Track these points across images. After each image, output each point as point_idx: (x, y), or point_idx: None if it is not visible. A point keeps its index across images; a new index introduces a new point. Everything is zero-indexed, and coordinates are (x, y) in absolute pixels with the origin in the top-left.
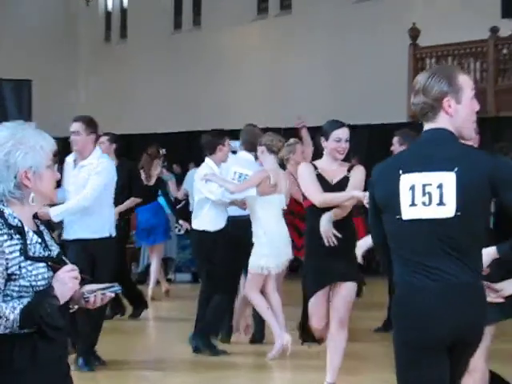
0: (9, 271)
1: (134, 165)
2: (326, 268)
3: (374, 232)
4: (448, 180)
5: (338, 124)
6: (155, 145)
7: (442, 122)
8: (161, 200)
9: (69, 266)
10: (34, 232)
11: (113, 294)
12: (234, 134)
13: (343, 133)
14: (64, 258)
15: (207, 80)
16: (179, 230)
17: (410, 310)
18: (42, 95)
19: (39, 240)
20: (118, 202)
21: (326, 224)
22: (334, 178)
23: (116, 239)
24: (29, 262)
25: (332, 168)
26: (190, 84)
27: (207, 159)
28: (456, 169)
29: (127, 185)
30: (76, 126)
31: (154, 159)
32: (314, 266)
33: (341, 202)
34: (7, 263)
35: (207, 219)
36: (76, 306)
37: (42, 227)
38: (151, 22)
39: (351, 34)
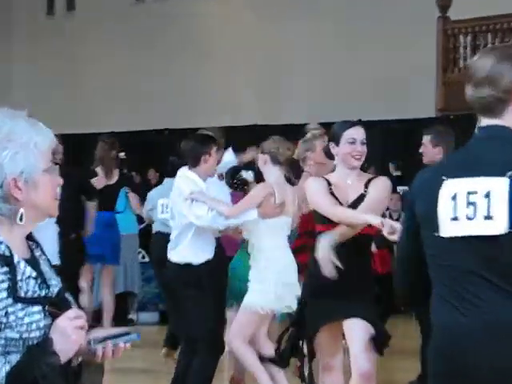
0: None
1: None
2: (327, 305)
3: (403, 245)
4: (498, 187)
5: (349, 123)
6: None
7: (508, 118)
8: (119, 205)
9: (73, 312)
10: (27, 261)
11: (128, 345)
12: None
13: (357, 132)
14: (68, 296)
15: (176, 63)
16: (143, 257)
17: (450, 366)
18: None
19: (33, 273)
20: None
21: (324, 247)
22: (348, 197)
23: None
24: (19, 306)
25: (347, 183)
26: (153, 69)
27: (189, 172)
28: (510, 173)
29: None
30: None
31: (112, 149)
32: (312, 303)
33: (351, 224)
34: None
35: (190, 250)
36: (80, 359)
37: (37, 252)
38: None
39: (365, 7)
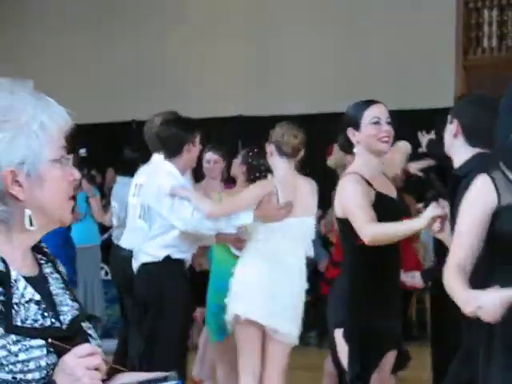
0: None
1: None
2: (385, 329)
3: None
4: None
5: (368, 102)
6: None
7: None
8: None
9: (85, 348)
10: (29, 280)
11: None
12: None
13: (380, 111)
14: (88, 328)
15: (151, 42)
16: (106, 274)
17: None
18: None
19: (36, 296)
20: None
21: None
22: (392, 192)
23: None
24: (13, 338)
25: (381, 177)
26: (122, 50)
27: (167, 164)
28: None
29: None
30: None
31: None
32: (368, 328)
33: (400, 238)
34: None
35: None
36: None
37: (47, 269)
38: None
39: None
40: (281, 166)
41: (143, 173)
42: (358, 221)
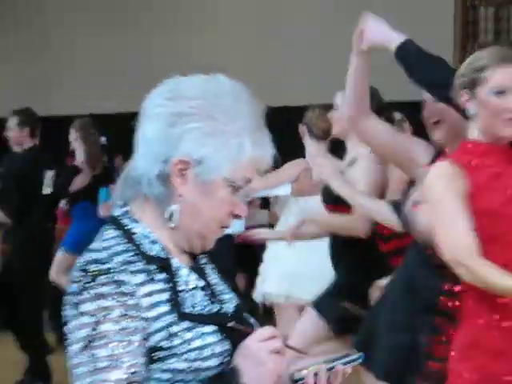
0: (150, 342)
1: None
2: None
3: None
4: None
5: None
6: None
7: None
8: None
9: (266, 331)
10: (192, 268)
11: (349, 368)
12: None
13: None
14: (248, 317)
15: (163, 35)
16: None
17: None
18: None
19: (200, 283)
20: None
21: None
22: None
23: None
24: (185, 325)
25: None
26: (138, 43)
27: None
28: None
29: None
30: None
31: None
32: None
33: None
34: (147, 327)
35: None
36: None
37: (202, 260)
38: None
39: None
40: (312, 147)
41: None
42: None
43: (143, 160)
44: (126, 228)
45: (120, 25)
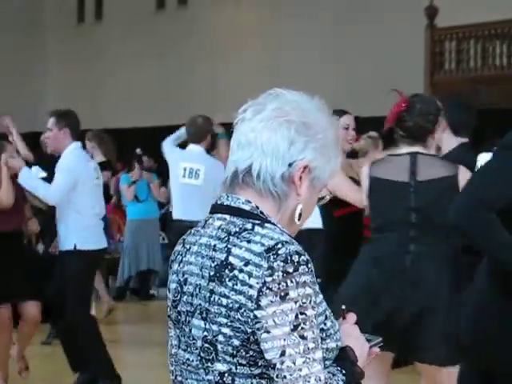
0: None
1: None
2: None
3: None
4: None
5: (342, 111)
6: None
7: None
8: (142, 194)
9: (353, 315)
10: None
11: (377, 350)
12: (224, 128)
13: (349, 119)
14: None
15: (194, 66)
16: (163, 239)
17: None
18: (7, 87)
19: None
20: None
21: None
22: None
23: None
24: (329, 312)
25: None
26: (173, 71)
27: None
28: None
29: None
30: (49, 122)
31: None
32: None
33: None
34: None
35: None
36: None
37: None
38: (130, 0)
39: (358, 14)
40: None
41: (188, 159)
42: None
43: (267, 160)
44: (272, 222)
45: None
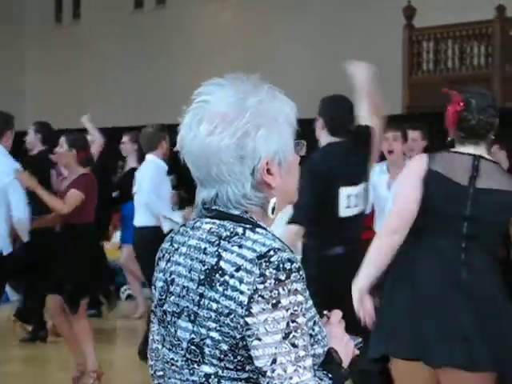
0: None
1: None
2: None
3: None
4: None
5: None
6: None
7: None
8: None
9: (337, 313)
10: None
11: (356, 351)
12: None
13: None
14: None
15: (173, 66)
16: None
17: None
18: None
19: None
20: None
21: None
22: None
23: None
24: (317, 317)
25: None
26: (152, 71)
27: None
28: None
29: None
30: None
31: None
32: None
33: None
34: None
35: None
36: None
37: None
38: (108, 0)
39: (338, 15)
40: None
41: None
42: None
43: (229, 188)
44: (262, 226)
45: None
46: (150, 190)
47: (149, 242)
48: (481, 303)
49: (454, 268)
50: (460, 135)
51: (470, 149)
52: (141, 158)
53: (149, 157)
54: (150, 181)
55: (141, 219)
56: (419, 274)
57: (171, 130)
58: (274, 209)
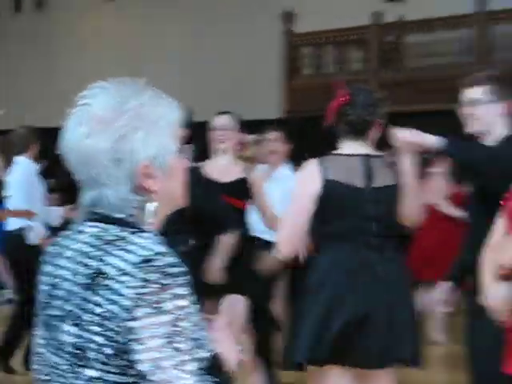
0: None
1: None
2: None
3: None
4: None
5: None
6: None
7: None
8: None
9: (224, 318)
10: None
11: (241, 356)
12: None
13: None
14: None
15: (52, 71)
16: None
17: None
18: None
19: None
20: None
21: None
22: None
23: None
24: (203, 322)
25: None
26: (29, 74)
27: None
28: None
29: None
30: None
31: None
32: None
33: None
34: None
35: None
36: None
37: None
38: None
39: (219, 19)
40: None
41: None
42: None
43: (109, 191)
44: (147, 231)
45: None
46: (22, 193)
47: (21, 245)
48: (391, 296)
49: (367, 267)
50: (341, 130)
51: (349, 145)
52: (8, 162)
53: (20, 159)
54: (20, 184)
55: (14, 222)
56: (328, 277)
57: (51, 133)
58: (154, 212)
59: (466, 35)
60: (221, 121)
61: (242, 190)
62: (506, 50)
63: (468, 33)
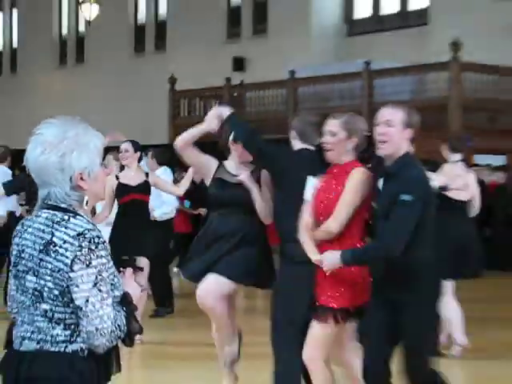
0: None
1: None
2: None
3: None
4: None
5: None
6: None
7: None
8: None
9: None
10: None
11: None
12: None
13: None
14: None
15: (21, 112)
16: None
17: None
18: None
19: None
20: None
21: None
22: None
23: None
24: (116, 272)
25: None
26: (10, 113)
27: None
28: None
29: None
30: None
31: None
32: None
33: None
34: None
35: None
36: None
37: None
38: None
39: (127, 79)
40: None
41: None
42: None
43: (57, 188)
44: (81, 215)
45: None
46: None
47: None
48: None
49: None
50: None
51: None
52: None
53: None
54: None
55: None
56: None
57: (19, 152)
58: (87, 203)
59: (282, 93)
60: (124, 146)
61: (146, 188)
62: (306, 102)
63: (283, 91)
